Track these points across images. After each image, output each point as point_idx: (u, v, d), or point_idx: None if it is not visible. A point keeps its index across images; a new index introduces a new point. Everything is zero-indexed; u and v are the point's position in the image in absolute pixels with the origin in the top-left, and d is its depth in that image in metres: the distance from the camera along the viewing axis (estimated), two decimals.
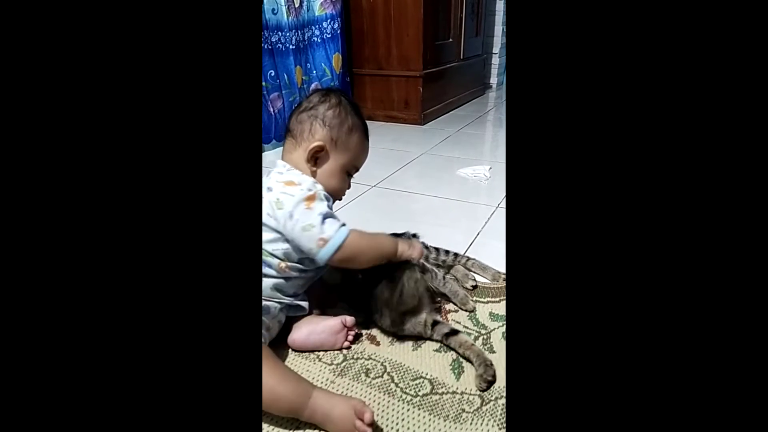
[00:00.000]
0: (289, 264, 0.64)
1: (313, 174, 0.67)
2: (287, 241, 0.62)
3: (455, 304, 0.75)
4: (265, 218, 0.61)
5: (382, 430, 0.54)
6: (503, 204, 1.19)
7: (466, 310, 0.74)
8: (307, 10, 1.81)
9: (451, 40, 2.28)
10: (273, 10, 1.64)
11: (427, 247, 0.84)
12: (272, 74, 1.67)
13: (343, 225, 0.62)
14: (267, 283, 0.64)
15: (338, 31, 1.93)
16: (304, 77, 1.85)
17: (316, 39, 1.88)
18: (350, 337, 0.68)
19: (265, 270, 0.64)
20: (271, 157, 1.62)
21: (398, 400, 0.58)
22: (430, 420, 0.55)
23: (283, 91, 1.74)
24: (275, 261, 0.64)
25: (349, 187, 0.73)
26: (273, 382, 0.52)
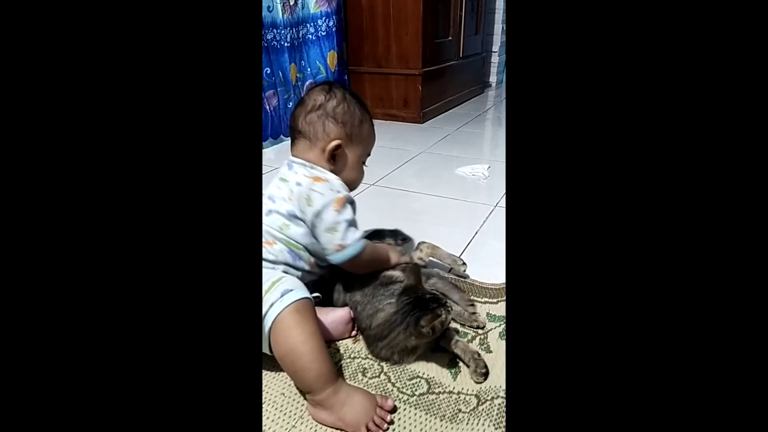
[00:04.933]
0: (315, 260, 0.67)
1: (333, 171, 0.68)
2: (313, 237, 0.65)
3: (463, 324, 0.72)
4: (298, 213, 0.63)
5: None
6: (502, 203, 1.19)
7: (478, 328, 0.71)
8: (302, 8, 1.80)
9: (450, 38, 2.27)
10: (268, 7, 1.63)
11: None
12: (267, 72, 1.67)
13: (362, 237, 0.66)
14: (295, 274, 0.65)
15: (333, 29, 1.92)
16: (298, 75, 1.85)
17: (311, 36, 1.88)
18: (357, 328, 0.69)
19: (299, 263, 0.65)
20: (268, 154, 1.62)
21: (395, 400, 0.58)
22: (426, 420, 0.55)
23: (278, 89, 1.74)
24: (306, 255, 0.65)
25: (363, 175, 0.75)
26: (319, 345, 0.54)
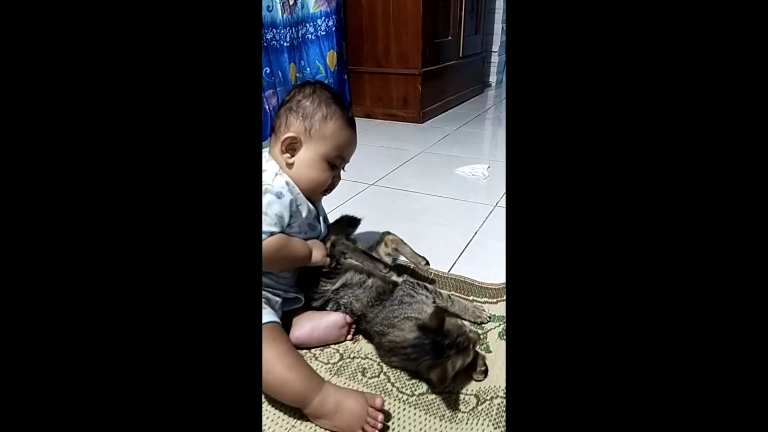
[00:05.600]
0: None
1: (290, 166, 0.66)
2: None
3: (468, 320, 0.72)
4: None
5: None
6: (501, 203, 1.19)
7: (481, 323, 0.72)
8: (302, 7, 1.80)
9: (450, 38, 2.27)
10: (268, 7, 1.63)
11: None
12: (267, 71, 1.67)
13: (269, 231, 0.62)
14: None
15: (333, 29, 1.92)
16: (297, 74, 1.85)
17: (310, 36, 1.87)
18: (353, 331, 0.69)
19: None
20: (268, 153, 1.62)
21: (394, 400, 0.58)
22: (425, 419, 0.55)
23: (278, 89, 1.74)
24: None
25: (337, 180, 0.71)
26: (284, 366, 0.53)
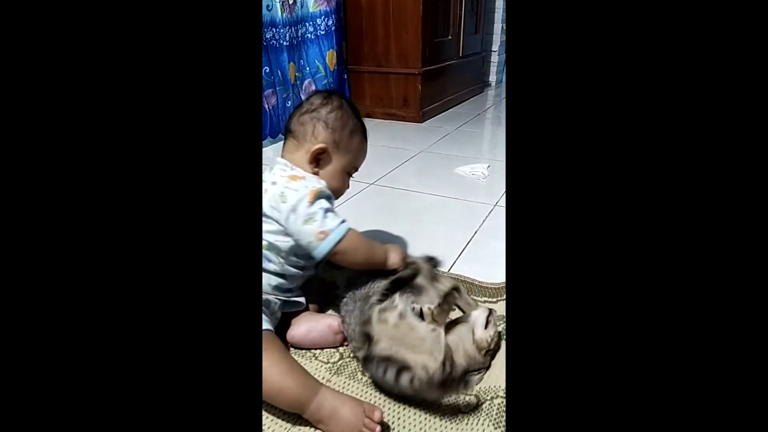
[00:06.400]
0: (289, 259, 0.65)
1: (315, 174, 0.68)
2: (288, 234, 0.63)
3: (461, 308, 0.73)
4: (268, 210, 0.62)
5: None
6: (501, 202, 1.19)
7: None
8: (301, 7, 1.80)
9: (450, 37, 2.27)
10: (267, 6, 1.63)
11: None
12: (266, 71, 1.67)
13: (344, 221, 0.63)
14: (266, 278, 0.64)
15: (333, 28, 1.92)
16: (297, 74, 1.84)
17: (309, 36, 1.87)
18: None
19: (266, 264, 0.63)
20: (266, 153, 1.62)
21: (394, 399, 0.58)
22: (426, 419, 0.55)
23: (277, 88, 1.73)
24: (274, 255, 0.64)
25: (348, 187, 0.74)
26: (279, 372, 0.52)
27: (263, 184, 0.64)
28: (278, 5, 1.67)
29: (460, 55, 2.42)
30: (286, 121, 0.72)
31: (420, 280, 0.68)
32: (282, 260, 0.64)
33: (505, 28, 2.91)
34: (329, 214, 0.62)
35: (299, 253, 0.65)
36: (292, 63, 1.79)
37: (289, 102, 1.81)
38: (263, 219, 0.62)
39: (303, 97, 1.87)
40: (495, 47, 2.99)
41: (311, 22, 1.86)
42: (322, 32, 1.90)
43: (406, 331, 0.59)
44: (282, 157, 0.69)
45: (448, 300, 0.60)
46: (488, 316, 0.62)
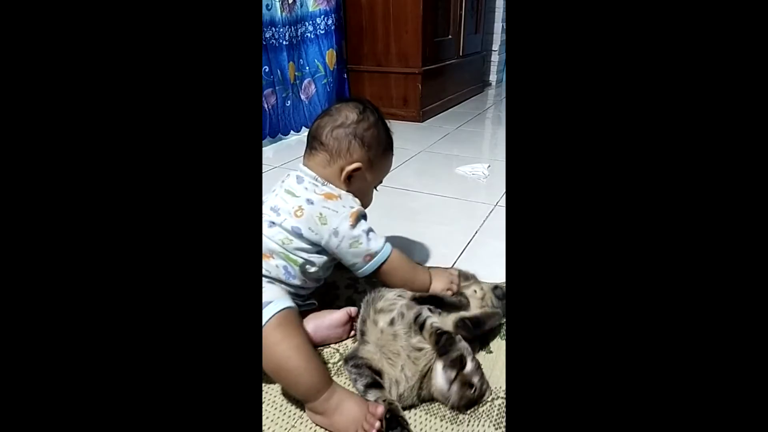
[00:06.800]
0: (314, 274, 0.65)
1: (347, 191, 0.67)
2: (322, 253, 0.63)
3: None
4: (306, 232, 0.61)
5: None
6: (502, 202, 1.19)
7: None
8: (301, 6, 1.79)
9: (450, 37, 2.27)
10: (267, 5, 1.63)
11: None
12: (266, 70, 1.67)
13: (387, 242, 0.65)
14: (287, 289, 0.63)
15: (332, 27, 1.92)
16: (296, 73, 1.84)
17: (309, 35, 1.87)
18: (354, 328, 0.68)
19: (292, 281, 0.63)
20: (266, 153, 1.62)
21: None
22: (426, 420, 0.55)
23: (277, 88, 1.73)
24: (298, 272, 0.63)
25: (372, 200, 0.75)
26: (306, 355, 0.53)
27: (295, 198, 0.63)
28: (278, 4, 1.67)
29: (461, 54, 2.41)
30: (312, 128, 0.69)
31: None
32: (305, 277, 0.64)
33: (505, 27, 2.91)
34: (371, 234, 0.64)
35: (329, 266, 0.66)
36: (291, 62, 1.79)
37: (289, 102, 1.81)
38: (298, 239, 0.61)
39: (303, 97, 1.88)
40: (495, 47, 2.98)
41: (311, 22, 1.86)
42: (322, 31, 1.90)
43: (388, 340, 0.58)
44: (309, 167, 0.67)
45: (455, 328, 0.59)
46: (456, 369, 0.54)
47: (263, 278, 0.61)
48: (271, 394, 0.58)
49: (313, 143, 0.68)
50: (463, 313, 0.64)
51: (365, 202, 0.70)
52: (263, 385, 0.59)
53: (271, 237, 0.61)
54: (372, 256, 0.63)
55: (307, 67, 1.90)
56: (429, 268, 0.72)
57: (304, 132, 1.90)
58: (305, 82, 1.90)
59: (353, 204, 0.64)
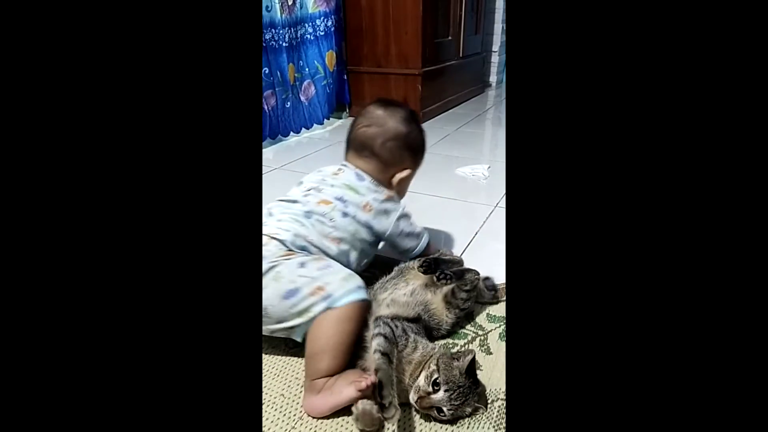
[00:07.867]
0: (360, 263, 0.74)
1: (392, 191, 0.79)
2: (375, 246, 0.76)
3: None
4: (375, 223, 0.73)
5: None
6: (502, 203, 1.19)
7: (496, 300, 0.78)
8: (301, 8, 1.79)
9: (450, 37, 2.27)
10: (267, 7, 1.63)
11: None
12: (266, 72, 1.67)
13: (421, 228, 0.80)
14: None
15: (332, 29, 1.92)
16: (296, 75, 1.84)
17: (309, 36, 1.87)
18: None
19: (349, 266, 0.68)
20: (266, 154, 1.62)
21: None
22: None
23: (276, 89, 1.73)
24: (355, 258, 0.71)
25: None
26: (351, 345, 0.58)
27: (361, 196, 0.72)
28: (277, 6, 1.67)
29: (461, 55, 2.42)
30: (359, 134, 0.77)
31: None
32: (356, 267, 0.71)
33: (505, 28, 2.91)
34: (414, 225, 0.79)
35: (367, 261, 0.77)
36: (291, 64, 1.79)
37: (288, 103, 1.81)
38: (365, 229, 0.72)
39: (302, 99, 1.88)
40: (495, 47, 2.99)
41: (310, 23, 1.86)
42: (322, 33, 1.90)
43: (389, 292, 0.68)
44: (361, 168, 0.76)
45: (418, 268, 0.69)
46: (434, 372, 0.54)
47: (332, 260, 0.65)
48: (271, 394, 0.58)
49: (364, 151, 0.77)
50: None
51: (404, 194, 0.84)
52: (263, 385, 0.59)
53: (344, 227, 0.69)
54: (420, 241, 0.79)
55: (307, 69, 1.90)
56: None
57: (304, 133, 1.91)
58: (305, 83, 1.90)
59: (401, 203, 0.78)
